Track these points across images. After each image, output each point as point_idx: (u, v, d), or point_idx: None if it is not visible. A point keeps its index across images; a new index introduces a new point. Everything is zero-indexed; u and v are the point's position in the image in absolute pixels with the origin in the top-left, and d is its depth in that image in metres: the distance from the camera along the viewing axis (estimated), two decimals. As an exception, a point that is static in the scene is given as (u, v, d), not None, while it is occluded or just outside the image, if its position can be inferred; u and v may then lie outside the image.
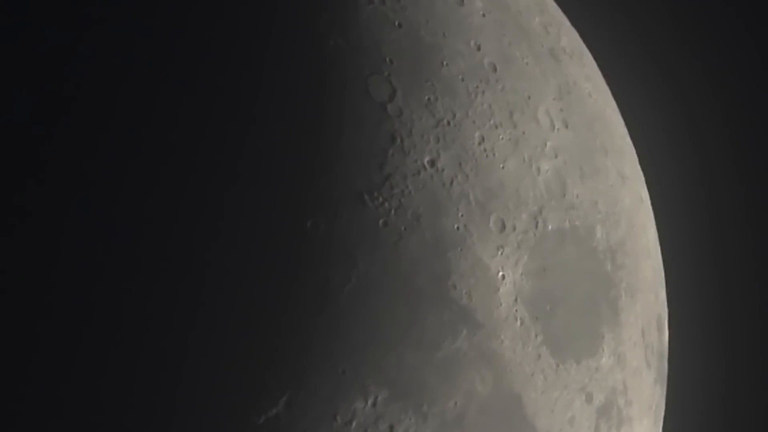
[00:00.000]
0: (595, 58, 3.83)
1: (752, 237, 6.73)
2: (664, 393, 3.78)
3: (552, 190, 3.04)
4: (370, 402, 2.62)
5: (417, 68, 2.86)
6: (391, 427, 2.66)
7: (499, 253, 2.85)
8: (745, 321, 6.68)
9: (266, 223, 2.54)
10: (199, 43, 2.64)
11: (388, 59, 2.82)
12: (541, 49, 3.29)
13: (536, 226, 2.96)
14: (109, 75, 2.55)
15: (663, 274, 3.83)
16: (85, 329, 2.42)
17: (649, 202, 3.81)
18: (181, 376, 2.47)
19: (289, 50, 2.71)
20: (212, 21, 2.68)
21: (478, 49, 3.04)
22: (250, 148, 2.57)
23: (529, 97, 3.09)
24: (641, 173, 3.83)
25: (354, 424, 2.62)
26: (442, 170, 2.77)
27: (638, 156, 3.87)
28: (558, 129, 3.15)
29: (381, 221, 2.66)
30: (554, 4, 3.74)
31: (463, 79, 2.93)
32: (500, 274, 2.85)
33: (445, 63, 2.92)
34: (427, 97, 2.83)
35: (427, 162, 2.76)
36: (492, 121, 2.93)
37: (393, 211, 2.67)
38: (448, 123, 2.83)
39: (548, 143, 3.08)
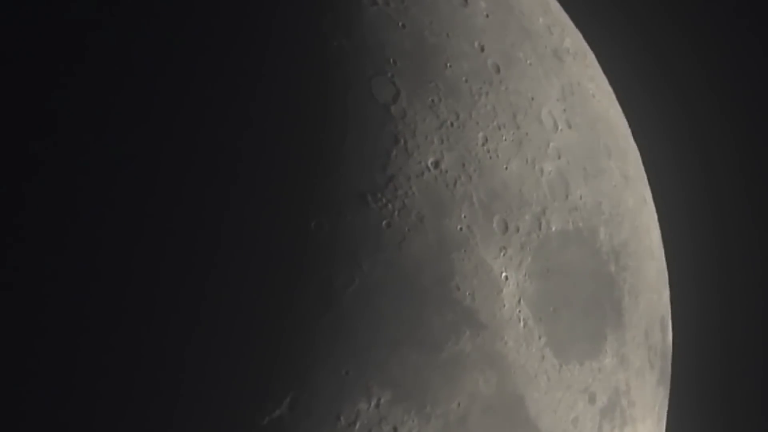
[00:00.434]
0: (599, 59, 3.83)
1: (756, 238, 6.72)
2: (668, 394, 3.77)
3: (555, 191, 3.04)
4: (373, 403, 2.62)
5: (421, 69, 2.86)
6: (395, 429, 2.66)
7: (503, 254, 2.85)
8: (749, 322, 6.67)
9: (269, 224, 2.54)
10: (200, 43, 2.63)
11: (391, 60, 2.82)
12: (545, 50, 3.29)
13: (539, 227, 2.95)
14: (109, 75, 2.55)
15: (666, 275, 3.82)
16: (85, 330, 2.42)
17: (652, 203, 3.81)
18: (183, 378, 2.47)
19: (292, 51, 2.71)
20: (213, 21, 2.68)
21: (482, 50, 3.04)
22: (252, 148, 2.57)
23: (533, 98, 3.09)
24: (645, 174, 3.83)
25: (357, 425, 2.62)
26: (446, 171, 2.77)
27: (642, 157, 3.87)
28: (561, 130, 3.15)
29: (384, 222, 2.66)
30: (558, 5, 3.74)
31: (466, 80, 2.93)
32: (503, 275, 2.85)
33: (448, 64, 2.92)
34: (430, 98, 2.83)
35: (431, 163, 2.76)
36: (495, 122, 2.93)
37: (396, 212, 2.67)
38: (452, 124, 2.83)
39: (551, 144, 3.08)
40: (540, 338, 2.92)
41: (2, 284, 2.43)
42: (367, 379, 2.61)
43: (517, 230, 2.89)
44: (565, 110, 3.20)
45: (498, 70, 3.03)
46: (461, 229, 2.77)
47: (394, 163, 2.71)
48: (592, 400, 3.12)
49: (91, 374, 2.42)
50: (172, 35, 2.62)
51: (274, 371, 2.54)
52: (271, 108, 2.62)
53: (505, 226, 2.86)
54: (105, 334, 2.43)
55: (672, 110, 6.60)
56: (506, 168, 2.91)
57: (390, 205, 2.67)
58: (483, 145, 2.88)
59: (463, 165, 2.81)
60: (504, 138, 2.93)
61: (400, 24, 2.91)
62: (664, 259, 3.83)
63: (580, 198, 3.13)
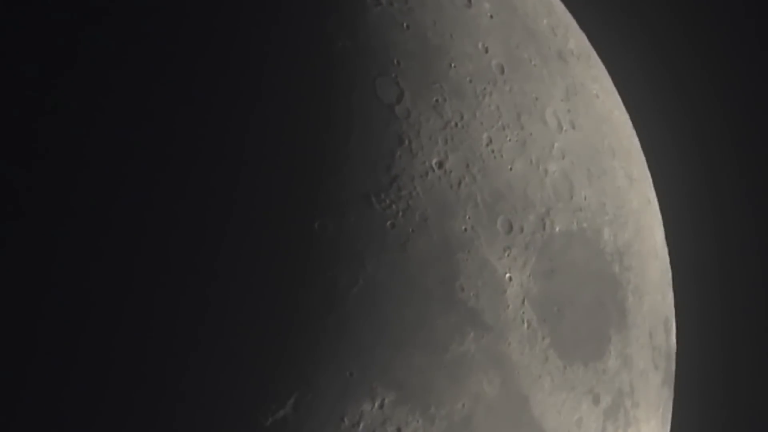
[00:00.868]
0: (603, 60, 3.83)
1: (759, 238, 6.71)
2: (672, 394, 3.77)
3: (559, 191, 3.04)
4: (377, 404, 2.62)
5: (425, 70, 2.86)
6: (399, 429, 2.66)
7: (507, 254, 2.85)
8: (753, 322, 6.67)
9: (273, 225, 2.54)
10: (202, 44, 2.64)
11: (395, 61, 2.82)
12: (549, 50, 3.29)
13: (543, 228, 2.95)
14: (110, 75, 2.55)
15: (670, 276, 3.82)
16: (87, 330, 2.42)
17: (656, 204, 3.80)
18: (187, 378, 2.47)
19: (296, 52, 2.71)
20: (216, 22, 2.68)
21: (486, 50, 3.04)
22: (256, 149, 2.57)
23: (537, 99, 3.09)
24: (649, 175, 3.83)
25: (361, 426, 2.62)
26: (450, 172, 2.77)
27: (646, 157, 3.86)
28: (565, 130, 3.15)
29: (389, 223, 2.66)
30: (562, 6, 3.74)
31: (470, 81, 2.93)
32: (507, 275, 2.85)
33: (452, 65, 2.92)
34: (434, 99, 2.83)
35: (435, 164, 2.76)
36: (499, 123, 2.93)
37: (401, 213, 2.67)
38: (456, 124, 2.83)
39: (555, 145, 3.08)
40: (544, 339, 2.92)
41: (2, 283, 2.43)
42: (371, 379, 2.61)
43: (522, 231, 2.89)
44: (569, 111, 3.20)
45: (502, 71, 3.03)
46: (465, 229, 2.77)
47: (398, 164, 2.71)
48: (596, 401, 3.12)
49: (94, 374, 2.42)
50: (174, 35, 2.63)
51: (278, 372, 2.54)
52: (275, 109, 2.62)
53: (509, 226, 2.86)
54: (108, 334, 2.43)
55: (676, 111, 6.59)
56: (510, 168, 2.91)
57: (394, 206, 2.67)
58: (487, 145, 2.88)
59: (468, 165, 2.81)
60: (508, 138, 2.93)
61: (404, 25, 2.91)
62: (668, 259, 3.82)
63: (584, 198, 3.13)
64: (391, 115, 2.74)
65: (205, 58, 2.61)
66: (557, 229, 2.99)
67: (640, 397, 3.36)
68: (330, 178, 2.62)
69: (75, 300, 2.42)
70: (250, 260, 2.51)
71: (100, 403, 2.44)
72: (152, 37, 2.61)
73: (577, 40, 3.59)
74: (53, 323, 2.41)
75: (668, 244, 3.86)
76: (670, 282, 3.80)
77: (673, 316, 3.79)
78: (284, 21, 2.74)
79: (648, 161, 3.87)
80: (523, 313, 2.87)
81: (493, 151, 2.88)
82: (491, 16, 3.15)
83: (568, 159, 3.11)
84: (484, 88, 2.95)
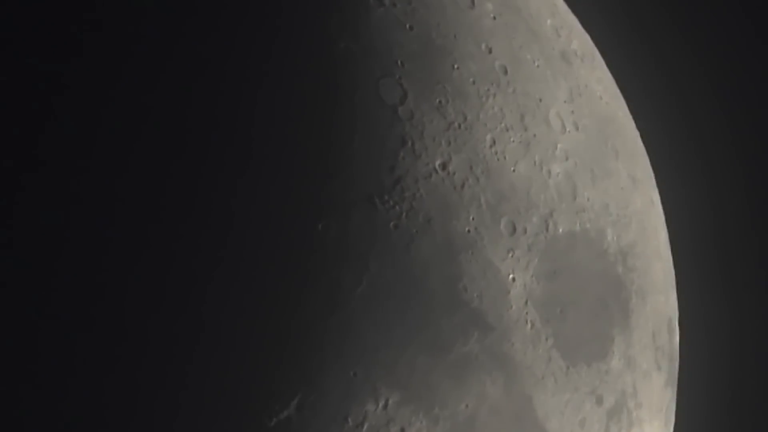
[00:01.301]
0: (606, 61, 3.83)
1: (763, 240, 6.71)
2: (675, 395, 3.77)
3: (563, 192, 3.04)
4: (381, 404, 2.63)
5: (428, 71, 2.87)
6: (403, 430, 2.66)
7: (510, 255, 2.85)
8: (756, 323, 6.66)
9: (277, 226, 2.55)
10: (205, 44, 2.64)
11: (399, 62, 2.83)
12: (552, 51, 3.29)
13: (547, 229, 2.96)
14: (112, 75, 2.55)
15: (674, 277, 3.82)
16: (89, 330, 2.43)
17: (660, 205, 3.80)
18: (190, 379, 2.47)
19: (299, 53, 2.71)
20: (219, 22, 2.68)
21: (489, 51, 3.04)
22: (259, 150, 2.57)
23: (540, 100, 3.09)
24: (652, 176, 3.83)
25: (365, 426, 2.62)
26: (453, 173, 2.78)
27: (649, 159, 3.86)
28: (569, 132, 3.15)
29: (392, 224, 2.66)
30: (565, 7, 3.74)
31: (474, 82, 2.93)
32: (511, 276, 2.85)
33: (456, 66, 2.92)
34: (438, 100, 2.83)
35: (438, 165, 2.76)
36: (503, 124, 2.93)
37: (404, 214, 2.68)
38: (459, 126, 2.83)
39: (559, 146, 3.08)
40: (547, 340, 2.92)
41: (3, 281, 2.44)
42: (375, 380, 2.61)
43: (525, 232, 2.89)
44: (572, 112, 3.20)
45: (505, 72, 3.04)
46: (469, 230, 2.77)
47: (402, 165, 2.71)
48: (599, 401, 3.12)
49: (97, 374, 2.43)
50: (177, 36, 2.63)
51: (282, 372, 2.54)
52: (278, 110, 2.62)
53: (512, 227, 2.86)
54: (112, 334, 2.43)
55: (679, 112, 6.59)
56: (514, 170, 2.91)
57: (398, 207, 2.67)
58: (491, 146, 2.88)
59: (471, 167, 2.81)
60: (512, 140, 2.94)
61: (407, 26, 2.91)
62: (671, 260, 3.82)
63: (588, 199, 3.13)
64: (395, 117, 2.74)
65: (207, 59, 2.61)
66: (560, 230, 2.99)
67: (643, 397, 3.36)
68: (333, 180, 2.62)
69: (76, 302, 2.42)
70: (253, 261, 2.51)
71: (102, 402, 2.44)
72: (155, 38, 2.61)
73: (580, 41, 3.59)
74: (54, 324, 2.42)
75: (671, 245, 3.86)
76: (674, 283, 3.80)
77: (676, 316, 3.79)
78: (287, 22, 2.74)
79: (651, 162, 3.87)
80: (527, 313, 2.87)
81: (496, 153, 2.88)
82: (494, 17, 3.15)
83: (572, 160, 3.11)
84: (488, 90, 2.95)
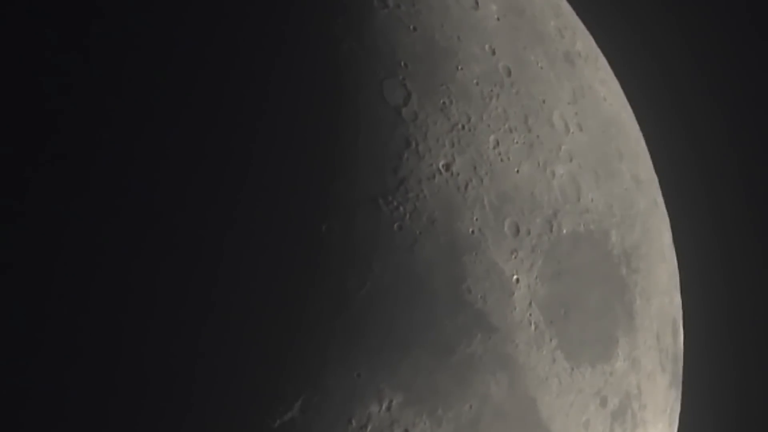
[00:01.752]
0: (610, 62, 3.82)
1: (766, 241, 6.70)
2: (679, 397, 3.76)
3: (566, 194, 3.04)
4: (385, 406, 2.63)
5: (432, 72, 2.87)
6: (406, 431, 2.66)
7: (514, 256, 2.85)
8: (760, 324, 6.65)
9: (280, 227, 2.55)
10: (209, 45, 2.64)
11: (402, 63, 2.83)
12: (556, 53, 3.29)
13: (551, 230, 2.95)
14: (115, 75, 2.56)
15: (678, 278, 3.82)
16: (94, 329, 2.43)
17: (663, 206, 3.80)
18: (195, 381, 2.47)
19: (303, 54, 2.71)
20: (223, 22, 2.68)
21: (493, 53, 3.04)
22: (263, 151, 2.57)
23: (544, 101, 3.09)
24: (656, 177, 3.82)
25: (369, 428, 2.62)
26: (457, 174, 2.78)
27: (653, 160, 3.86)
28: (573, 133, 3.15)
29: (396, 225, 2.66)
30: (569, 8, 3.74)
31: (477, 83, 2.93)
32: (515, 277, 2.85)
33: (459, 67, 2.92)
34: (441, 101, 2.83)
35: (442, 166, 2.76)
36: (507, 125, 2.93)
37: (408, 215, 2.68)
38: (463, 127, 2.83)
39: (563, 147, 3.08)
40: (551, 341, 2.92)
41: (3, 281, 2.44)
42: (379, 381, 2.61)
43: (529, 233, 2.89)
44: (576, 113, 3.20)
45: (509, 73, 3.03)
46: (473, 232, 2.77)
47: (406, 166, 2.71)
48: (603, 403, 3.11)
49: (101, 374, 2.43)
50: (180, 36, 2.63)
51: (286, 374, 2.54)
52: (283, 111, 2.62)
53: (516, 228, 2.86)
54: (115, 334, 2.43)
55: (683, 113, 6.59)
56: (517, 171, 2.91)
57: (401, 208, 2.67)
58: (494, 148, 2.88)
59: (475, 168, 2.81)
60: (515, 141, 2.93)
61: (411, 27, 2.91)
62: (675, 261, 3.82)
63: (592, 201, 3.13)
64: (398, 118, 2.74)
65: (212, 60, 2.61)
66: (564, 231, 2.99)
67: (647, 399, 3.35)
68: (337, 181, 2.62)
69: (76, 304, 2.42)
70: (257, 262, 2.52)
71: (107, 403, 2.44)
72: (158, 38, 2.61)
73: (584, 42, 3.59)
74: (55, 325, 2.42)
75: (675, 246, 3.86)
76: (678, 284, 3.80)
77: (680, 318, 3.79)
78: (291, 23, 2.74)
79: (655, 163, 3.87)
80: (531, 315, 2.87)
81: (500, 154, 2.88)
82: (498, 18, 3.15)
83: (576, 161, 3.11)
84: (491, 91, 2.95)
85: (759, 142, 6.73)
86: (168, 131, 2.52)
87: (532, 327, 2.87)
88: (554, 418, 2.94)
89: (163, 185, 2.49)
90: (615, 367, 3.16)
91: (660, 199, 3.78)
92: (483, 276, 2.77)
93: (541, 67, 3.17)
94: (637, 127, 3.80)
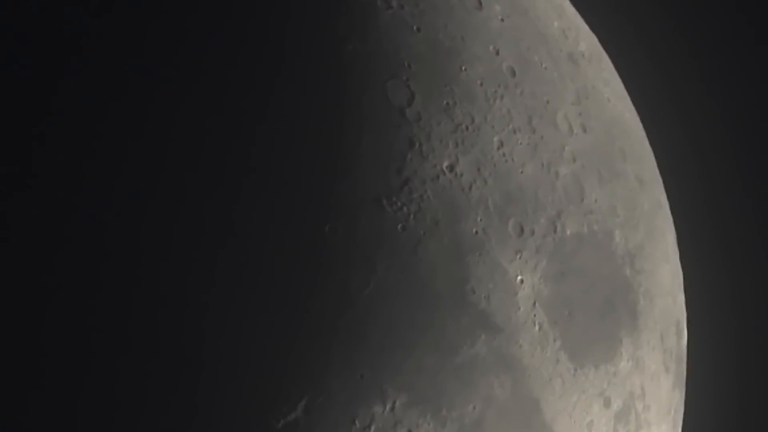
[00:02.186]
0: (614, 63, 3.82)
1: (771, 241, 6.70)
2: (683, 397, 3.76)
3: (570, 194, 3.03)
4: (388, 406, 2.63)
5: (436, 73, 2.87)
6: (410, 432, 2.66)
7: (518, 257, 2.85)
8: (764, 325, 6.65)
9: (284, 228, 2.55)
10: (212, 46, 2.64)
11: (406, 64, 2.83)
12: (560, 53, 3.29)
13: (555, 231, 2.95)
14: (116, 75, 2.56)
15: (681, 279, 3.82)
16: (98, 329, 2.43)
17: (667, 207, 3.80)
18: (198, 381, 2.47)
19: (307, 54, 2.71)
20: (226, 22, 2.69)
21: (497, 53, 3.04)
22: (266, 151, 2.57)
23: (548, 102, 3.09)
24: (660, 178, 3.82)
25: (373, 428, 2.62)
26: (461, 175, 2.78)
27: (657, 160, 3.86)
28: (576, 133, 3.15)
29: (399, 226, 2.66)
30: (573, 9, 3.74)
31: (481, 84, 2.93)
32: (519, 278, 2.85)
33: (463, 68, 2.92)
34: (445, 102, 2.83)
35: (446, 167, 2.76)
36: (510, 126, 2.93)
37: (412, 216, 2.68)
38: (467, 128, 2.83)
39: (567, 148, 3.08)
40: (555, 341, 2.92)
41: (6, 281, 2.44)
42: (383, 382, 2.61)
43: (533, 233, 2.89)
44: (580, 114, 3.20)
45: (513, 74, 3.03)
46: (476, 232, 2.77)
47: (409, 167, 2.71)
48: (607, 403, 3.11)
49: (105, 375, 2.43)
50: (184, 37, 2.63)
51: (289, 374, 2.54)
52: (286, 112, 2.62)
53: (520, 229, 2.86)
54: (118, 334, 2.43)
55: (687, 113, 6.58)
56: (521, 172, 2.91)
57: (405, 209, 2.67)
58: (498, 148, 2.88)
59: (479, 169, 2.81)
60: (519, 142, 2.93)
61: (414, 28, 2.91)
62: (679, 262, 3.82)
63: (595, 201, 3.13)
64: (402, 118, 2.74)
65: (215, 61, 2.61)
66: (568, 231, 2.99)
67: (651, 399, 3.35)
68: (341, 181, 2.62)
69: (77, 304, 2.43)
70: (260, 263, 2.52)
71: (111, 404, 2.44)
72: (161, 38, 2.61)
73: (588, 42, 3.59)
74: (56, 326, 2.42)
75: (679, 247, 3.86)
76: (681, 285, 3.80)
77: (684, 318, 3.78)
78: (295, 24, 2.74)
79: (659, 164, 3.86)
80: (534, 315, 2.87)
81: (504, 155, 2.88)
82: (502, 19, 3.15)
83: (579, 162, 3.11)
84: (495, 91, 2.95)
85: (763, 144, 6.72)
86: (170, 131, 2.52)
87: (536, 327, 2.87)
88: (558, 419, 2.94)
89: (164, 185, 2.49)
90: (619, 368, 3.15)
91: (664, 200, 3.77)
92: (487, 276, 2.77)
93: (545, 68, 3.17)
94: (640, 127, 3.79)
